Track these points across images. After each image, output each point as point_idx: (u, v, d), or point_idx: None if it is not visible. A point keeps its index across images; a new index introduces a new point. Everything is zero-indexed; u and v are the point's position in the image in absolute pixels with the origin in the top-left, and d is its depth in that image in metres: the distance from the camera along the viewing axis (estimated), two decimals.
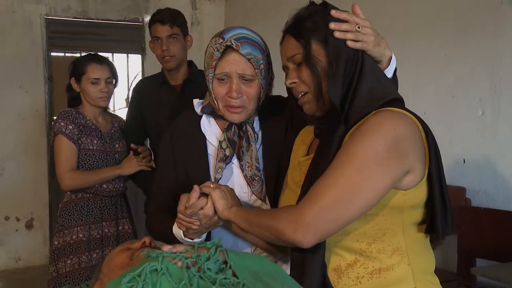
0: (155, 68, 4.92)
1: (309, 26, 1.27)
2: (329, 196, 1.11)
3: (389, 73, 1.35)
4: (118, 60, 5.40)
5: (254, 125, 1.62)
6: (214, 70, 1.51)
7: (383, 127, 1.13)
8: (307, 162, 1.34)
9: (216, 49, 1.49)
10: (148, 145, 2.98)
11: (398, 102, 1.26)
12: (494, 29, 2.76)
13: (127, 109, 3.10)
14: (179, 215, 1.39)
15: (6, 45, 4.71)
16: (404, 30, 3.21)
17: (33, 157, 4.88)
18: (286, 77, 1.35)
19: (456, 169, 2.97)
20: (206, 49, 1.54)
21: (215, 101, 1.55)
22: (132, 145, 2.74)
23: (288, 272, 1.26)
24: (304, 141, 1.48)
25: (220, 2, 5.56)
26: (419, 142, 1.17)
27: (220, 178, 1.58)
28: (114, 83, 2.75)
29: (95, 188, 2.66)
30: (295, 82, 1.31)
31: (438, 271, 1.32)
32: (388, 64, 1.34)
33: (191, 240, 1.42)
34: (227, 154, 1.58)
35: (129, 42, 5.36)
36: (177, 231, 1.47)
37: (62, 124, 2.60)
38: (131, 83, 5.63)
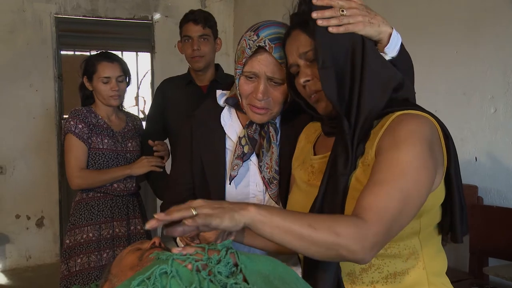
0: (164, 66, 4.96)
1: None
2: (393, 211, 1.05)
3: (389, 50, 1.26)
4: (128, 58, 5.41)
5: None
6: (243, 66, 1.46)
7: (418, 135, 1.11)
8: (318, 162, 1.32)
9: (248, 46, 1.43)
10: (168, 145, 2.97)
11: (405, 91, 1.23)
12: (507, 26, 2.72)
13: (146, 107, 3.09)
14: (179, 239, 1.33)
15: (17, 43, 4.74)
16: (416, 28, 3.18)
17: (44, 155, 4.91)
18: (298, 75, 1.29)
19: (468, 167, 2.94)
20: (240, 40, 1.49)
21: (240, 97, 1.51)
22: (150, 142, 2.72)
23: (299, 274, 1.24)
24: (309, 138, 1.45)
25: (229, 1, 5.56)
26: (439, 145, 1.16)
27: (236, 176, 1.55)
28: (126, 81, 2.73)
29: (106, 187, 2.65)
30: (309, 80, 1.26)
31: (450, 271, 1.30)
32: (388, 41, 1.26)
33: None
34: (245, 152, 1.55)
35: (139, 40, 5.37)
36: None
37: (72, 123, 2.60)
38: (141, 82, 5.65)
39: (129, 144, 2.73)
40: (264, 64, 1.42)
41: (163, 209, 1.72)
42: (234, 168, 1.54)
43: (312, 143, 1.41)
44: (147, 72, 5.55)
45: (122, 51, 5.16)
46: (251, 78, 1.45)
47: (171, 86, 2.88)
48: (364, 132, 1.17)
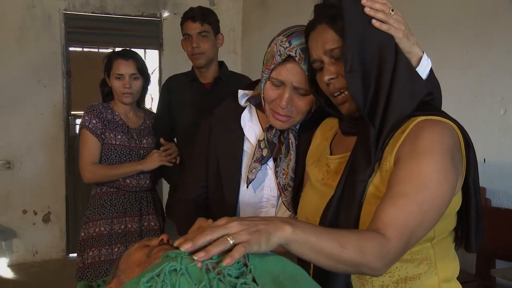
0: (173, 63, 4.95)
1: (352, 10, 1.18)
2: (413, 227, 1.04)
3: (420, 73, 1.26)
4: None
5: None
6: (271, 72, 1.43)
7: (439, 145, 1.08)
8: (335, 162, 1.30)
9: (278, 53, 1.40)
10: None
11: (433, 100, 1.22)
12: None
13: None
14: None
15: (26, 40, 4.76)
16: (425, 29, 3.16)
17: (51, 151, 4.92)
18: (322, 72, 1.25)
19: None
20: (270, 42, 1.47)
21: (263, 101, 1.49)
22: (161, 140, 2.75)
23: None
24: (325, 135, 1.42)
25: None
26: (460, 152, 1.14)
27: (253, 179, 1.54)
28: (142, 79, 2.74)
29: (119, 182, 2.69)
30: (333, 78, 1.23)
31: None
32: (417, 64, 1.26)
33: None
34: (264, 155, 1.54)
35: (147, 37, 5.37)
36: None
37: (86, 118, 2.66)
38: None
39: (144, 141, 2.76)
40: (292, 74, 1.40)
41: (177, 206, 1.72)
42: (252, 171, 1.53)
43: (329, 140, 1.39)
44: (155, 69, 5.55)
45: (130, 48, 5.16)
46: (277, 84, 1.43)
47: (176, 83, 2.89)
48: (386, 138, 1.15)
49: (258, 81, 1.58)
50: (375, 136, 1.14)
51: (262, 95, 1.49)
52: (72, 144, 4.96)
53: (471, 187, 1.16)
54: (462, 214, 1.19)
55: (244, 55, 5.50)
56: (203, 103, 2.73)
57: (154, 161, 2.67)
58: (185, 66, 2.87)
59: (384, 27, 1.18)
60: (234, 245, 0.91)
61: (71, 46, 5.09)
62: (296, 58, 1.37)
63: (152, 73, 5.55)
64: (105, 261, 2.64)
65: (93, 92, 2.87)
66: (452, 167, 1.08)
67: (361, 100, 1.15)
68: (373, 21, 1.17)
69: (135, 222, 2.72)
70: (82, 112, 2.77)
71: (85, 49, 5.45)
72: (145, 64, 2.81)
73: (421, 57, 1.27)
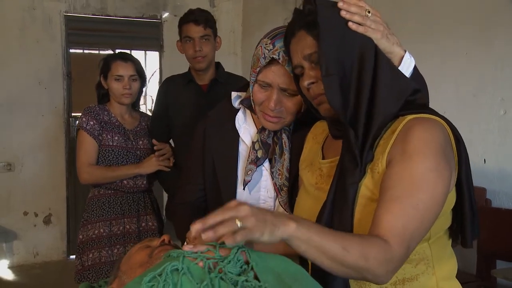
0: (173, 65, 4.95)
1: (327, 15, 1.18)
2: (413, 231, 1.04)
3: (403, 72, 1.25)
4: (136, 57, 5.41)
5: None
6: (257, 75, 1.44)
7: (430, 144, 1.08)
8: (327, 166, 1.30)
9: (263, 55, 1.41)
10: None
11: (421, 96, 1.21)
12: None
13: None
14: (187, 240, 1.29)
15: (27, 41, 4.77)
16: (426, 29, 3.17)
17: (52, 153, 4.93)
18: (302, 77, 1.27)
19: (477, 169, 2.93)
20: (257, 45, 1.47)
21: (253, 104, 1.50)
22: (154, 141, 2.76)
23: None
24: (317, 139, 1.42)
25: (238, 0, 5.55)
26: (450, 149, 1.13)
27: (249, 181, 1.55)
28: (140, 81, 2.76)
29: (116, 184, 2.70)
30: (313, 82, 1.23)
31: (457, 273, 1.29)
32: (399, 63, 1.25)
33: None
34: (259, 156, 1.54)
35: (147, 39, 5.38)
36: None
37: (84, 119, 2.67)
38: (149, 80, 5.66)
39: (140, 142, 2.78)
40: (277, 75, 1.41)
41: (177, 209, 1.73)
42: (248, 173, 1.54)
43: (320, 144, 1.39)
44: (155, 71, 5.56)
45: (130, 49, 5.18)
46: (264, 86, 1.44)
47: (172, 84, 2.89)
48: (374, 139, 1.15)
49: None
50: (354, 138, 1.14)
51: (251, 97, 1.50)
52: (73, 146, 4.94)
53: (463, 182, 1.15)
54: (457, 210, 1.18)
55: (244, 57, 5.50)
56: (199, 105, 2.74)
57: (151, 165, 2.69)
58: (186, 67, 2.87)
59: (360, 29, 1.18)
60: (241, 229, 0.93)
61: (71, 48, 5.10)
62: (280, 60, 1.38)
63: (152, 75, 5.60)
64: (106, 263, 2.65)
65: (93, 94, 2.87)
66: (445, 165, 1.08)
67: (338, 103, 1.15)
68: (350, 23, 1.17)
69: (133, 223, 2.74)
70: None
71: (85, 51, 5.46)
72: (142, 66, 2.83)
73: (403, 56, 1.26)
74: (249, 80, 1.52)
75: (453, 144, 1.14)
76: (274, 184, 1.54)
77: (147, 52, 5.60)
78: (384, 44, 1.21)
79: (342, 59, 1.16)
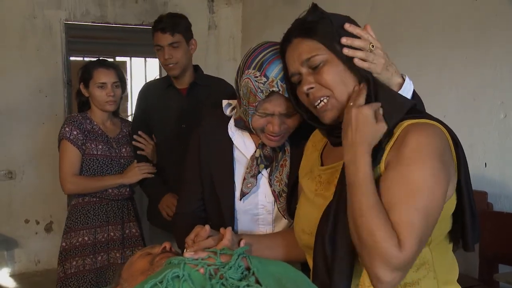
0: None
1: (326, 29, 1.20)
2: (416, 234, 1.04)
3: None
4: (136, 64, 5.43)
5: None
6: (256, 108, 1.42)
7: (427, 149, 1.08)
8: (326, 173, 1.30)
9: (259, 90, 1.38)
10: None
11: (419, 108, 1.22)
12: None
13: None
14: (186, 246, 1.29)
15: (27, 49, 4.77)
16: (425, 33, 3.18)
17: (52, 161, 4.88)
18: (300, 84, 1.26)
19: (478, 173, 2.92)
20: (241, 77, 1.44)
21: (253, 130, 1.49)
22: (140, 132, 2.80)
23: None
24: (316, 146, 1.43)
25: (237, 6, 5.57)
26: (449, 154, 1.13)
27: (248, 193, 1.55)
28: (121, 88, 2.78)
29: (101, 192, 2.72)
30: (312, 87, 1.22)
31: (459, 277, 1.29)
32: (398, 90, 1.25)
33: None
34: (260, 170, 1.55)
35: (147, 46, 5.35)
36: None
37: (67, 129, 2.67)
38: None
39: (124, 150, 2.80)
40: (277, 105, 1.40)
41: (176, 219, 1.73)
42: (248, 186, 1.54)
43: (319, 151, 1.39)
44: (155, 78, 5.57)
45: (130, 57, 5.21)
46: (264, 116, 1.44)
47: (152, 89, 2.90)
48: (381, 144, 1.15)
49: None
50: None
51: (250, 125, 1.48)
52: None
53: (463, 186, 1.15)
54: (457, 214, 1.18)
55: None
56: (179, 109, 2.76)
57: (135, 174, 2.71)
58: None
59: (365, 65, 1.19)
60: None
61: (72, 56, 5.12)
62: (280, 92, 1.37)
63: None
64: (90, 270, 2.66)
65: None
66: (442, 170, 1.08)
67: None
68: (355, 60, 1.18)
69: (117, 230, 2.76)
70: None
71: (86, 59, 5.47)
72: (123, 72, 2.85)
73: (401, 83, 1.26)
74: (240, 106, 1.50)
75: (452, 148, 1.14)
76: (273, 191, 1.54)
77: (147, 59, 5.61)
78: (384, 76, 1.22)
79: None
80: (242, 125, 1.56)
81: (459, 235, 1.20)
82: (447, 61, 3.08)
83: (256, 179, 1.55)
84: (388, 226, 1.04)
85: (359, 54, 1.18)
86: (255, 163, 1.55)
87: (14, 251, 4.84)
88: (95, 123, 2.75)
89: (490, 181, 2.90)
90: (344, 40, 1.18)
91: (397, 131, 1.13)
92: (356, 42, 1.19)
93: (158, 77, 5.40)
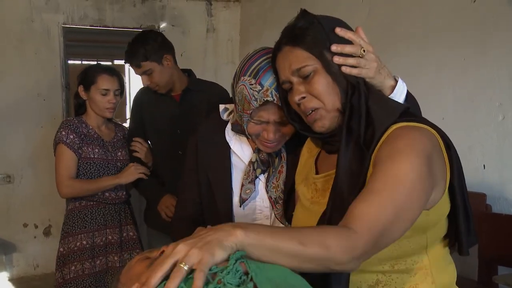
0: None
1: (316, 35, 1.19)
2: (384, 223, 1.01)
3: (396, 99, 1.26)
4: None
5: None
6: (251, 115, 1.43)
7: (416, 147, 1.08)
8: (321, 181, 1.29)
9: (253, 98, 1.38)
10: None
11: (412, 112, 1.22)
12: None
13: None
14: None
15: (25, 53, 4.77)
16: (423, 35, 3.18)
17: (51, 164, 4.86)
18: (292, 92, 1.25)
19: (476, 175, 2.92)
20: (237, 83, 1.44)
21: (249, 136, 1.50)
22: (135, 138, 2.81)
23: None
24: (311, 152, 1.42)
25: (235, 9, 5.57)
26: (440, 156, 1.13)
27: (247, 199, 1.55)
28: (120, 95, 2.80)
29: (98, 196, 2.72)
30: (304, 97, 1.21)
31: (458, 279, 1.29)
32: (391, 92, 1.25)
33: None
34: (258, 175, 1.55)
35: None
36: None
37: (63, 133, 2.67)
38: None
39: (119, 153, 2.81)
40: (272, 113, 1.41)
41: (174, 224, 1.73)
42: (247, 192, 1.54)
43: (314, 158, 1.39)
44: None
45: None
46: (259, 123, 1.44)
47: (145, 96, 2.90)
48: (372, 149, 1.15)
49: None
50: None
51: (246, 131, 1.48)
52: None
53: (456, 189, 1.15)
54: (452, 217, 1.18)
55: None
56: (173, 114, 2.77)
57: (131, 174, 2.71)
58: None
59: (354, 72, 1.18)
60: (191, 269, 0.87)
61: (70, 59, 5.12)
62: (275, 101, 1.37)
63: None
64: (89, 275, 2.66)
65: None
66: (427, 170, 1.07)
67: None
68: (343, 68, 1.17)
69: (115, 234, 2.77)
70: None
71: (84, 62, 5.47)
72: (124, 79, 2.87)
73: (393, 85, 1.25)
74: (236, 111, 1.50)
75: (443, 151, 1.14)
76: (270, 198, 1.54)
77: None
78: (376, 80, 1.22)
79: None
80: (239, 129, 1.56)
81: (454, 239, 1.20)
82: (445, 62, 3.08)
83: (254, 185, 1.55)
84: (324, 229, 1.02)
85: (350, 61, 1.17)
86: (251, 168, 1.55)
87: (12, 255, 4.83)
88: (90, 127, 2.75)
89: (488, 183, 2.90)
90: (334, 48, 1.17)
91: (386, 133, 1.13)
92: (347, 49, 1.18)
93: None
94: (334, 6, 3.69)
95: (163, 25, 5.27)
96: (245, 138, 1.59)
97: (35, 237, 4.90)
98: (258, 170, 1.55)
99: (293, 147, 1.54)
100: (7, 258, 4.82)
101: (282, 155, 1.54)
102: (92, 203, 2.72)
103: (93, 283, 2.67)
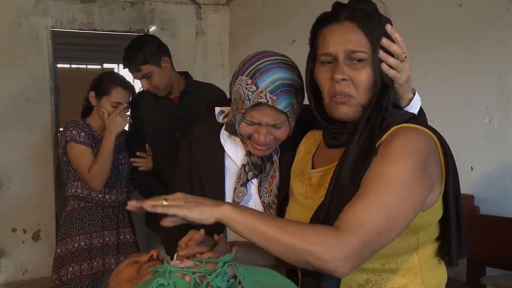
0: None
1: (377, 26, 1.17)
2: (373, 224, 1.02)
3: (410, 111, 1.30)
4: (124, 70, 5.38)
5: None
6: (243, 115, 1.42)
7: (412, 149, 1.08)
8: (316, 176, 1.30)
9: (247, 98, 1.37)
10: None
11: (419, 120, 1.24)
12: (501, 36, 2.74)
13: None
14: (179, 248, 1.28)
15: (13, 57, 4.74)
16: (411, 38, 3.19)
17: (40, 168, 4.89)
18: (332, 68, 1.19)
19: (464, 177, 2.94)
20: (234, 82, 1.44)
21: (240, 137, 1.49)
22: (138, 153, 2.84)
23: None
24: (308, 149, 1.42)
25: (224, 12, 5.57)
26: (437, 160, 1.13)
27: (239, 202, 1.54)
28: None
29: (98, 198, 2.71)
30: (345, 79, 1.17)
31: (447, 280, 1.29)
32: (407, 105, 1.28)
33: None
34: (250, 178, 1.54)
35: None
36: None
37: (74, 132, 2.64)
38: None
39: (121, 156, 2.82)
40: (265, 115, 1.40)
41: (163, 228, 1.73)
42: (239, 195, 1.54)
43: (311, 154, 1.39)
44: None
45: (118, 63, 5.19)
46: (251, 124, 1.43)
47: (143, 100, 2.91)
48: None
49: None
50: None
51: (238, 131, 1.48)
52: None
53: (450, 196, 1.15)
54: (444, 224, 1.18)
55: (231, 69, 5.51)
56: (172, 117, 2.78)
57: (119, 122, 2.66)
58: None
59: (391, 73, 1.18)
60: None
61: (59, 63, 5.09)
62: (269, 103, 1.36)
63: (140, 88, 5.59)
64: (87, 276, 2.66)
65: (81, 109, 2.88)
66: (423, 173, 1.08)
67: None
68: (383, 65, 1.17)
69: (113, 236, 2.76)
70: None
71: (73, 66, 5.45)
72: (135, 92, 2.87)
73: (411, 98, 1.29)
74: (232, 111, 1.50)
75: (441, 156, 1.14)
76: (263, 203, 1.53)
77: None
78: (402, 88, 1.24)
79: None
80: (232, 129, 1.55)
81: (444, 248, 1.20)
82: (432, 65, 3.10)
83: (246, 188, 1.54)
84: (308, 225, 1.09)
85: (391, 60, 1.18)
86: (243, 170, 1.55)
87: (0, 260, 4.79)
88: (94, 129, 2.75)
89: (476, 184, 2.92)
90: (384, 41, 1.17)
91: (385, 135, 1.14)
92: (394, 47, 1.18)
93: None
94: (324, 8, 3.71)
95: (152, 28, 5.26)
96: (239, 141, 1.59)
97: (23, 242, 4.86)
98: (250, 173, 1.54)
99: (286, 152, 1.53)
100: None
101: (273, 159, 1.53)
102: (90, 204, 2.72)
103: (90, 284, 2.66)
